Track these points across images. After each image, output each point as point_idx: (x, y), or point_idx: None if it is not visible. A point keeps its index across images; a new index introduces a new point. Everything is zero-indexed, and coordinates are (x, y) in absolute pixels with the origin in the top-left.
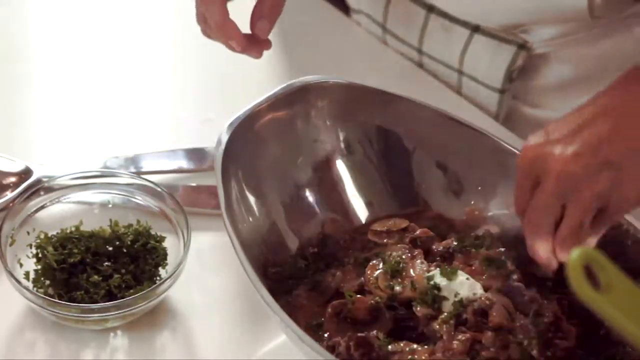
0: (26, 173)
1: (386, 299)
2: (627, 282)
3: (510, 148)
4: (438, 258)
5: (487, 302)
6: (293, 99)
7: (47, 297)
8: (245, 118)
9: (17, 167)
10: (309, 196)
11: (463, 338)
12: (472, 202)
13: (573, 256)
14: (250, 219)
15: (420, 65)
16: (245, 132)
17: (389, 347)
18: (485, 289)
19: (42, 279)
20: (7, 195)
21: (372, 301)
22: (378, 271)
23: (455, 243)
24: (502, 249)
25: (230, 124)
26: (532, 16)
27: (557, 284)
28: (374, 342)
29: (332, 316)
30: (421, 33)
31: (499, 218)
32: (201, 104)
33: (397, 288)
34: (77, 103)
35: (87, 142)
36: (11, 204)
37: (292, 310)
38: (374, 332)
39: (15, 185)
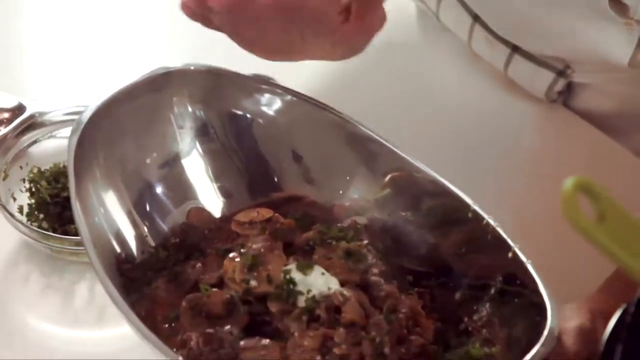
0: (19, 109)
1: (242, 293)
2: (622, 211)
3: (373, 135)
4: (299, 251)
5: (341, 298)
6: (155, 86)
7: (41, 231)
8: (105, 104)
9: (10, 103)
10: (173, 185)
11: (315, 334)
12: (341, 192)
13: (567, 185)
14: (103, 210)
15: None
16: (105, 118)
17: (241, 343)
18: (343, 284)
19: (36, 212)
20: (0, 130)
21: (228, 295)
22: (236, 264)
23: (316, 235)
24: (366, 242)
25: (89, 109)
26: (570, 56)
27: (420, 277)
28: (224, 338)
29: (187, 310)
30: (469, 36)
31: (367, 208)
32: (199, 47)
33: (253, 282)
34: (71, 39)
35: (80, 78)
36: (4, 139)
37: (150, 303)
38: (228, 327)
39: (9, 121)
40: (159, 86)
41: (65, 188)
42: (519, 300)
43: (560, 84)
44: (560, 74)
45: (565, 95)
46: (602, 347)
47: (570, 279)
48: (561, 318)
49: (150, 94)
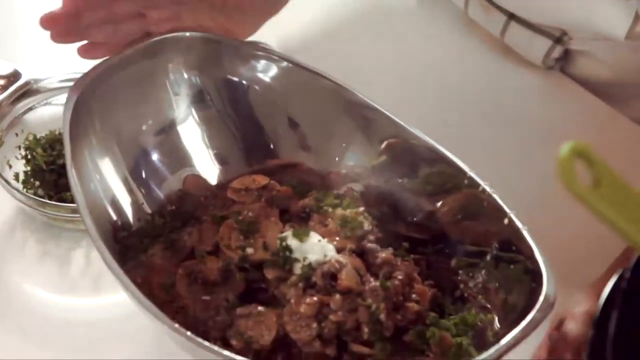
0: (15, 76)
1: (238, 260)
2: (618, 177)
3: (369, 102)
4: (295, 218)
5: (337, 264)
6: (150, 53)
7: (37, 198)
8: (100, 71)
9: (6, 70)
10: (169, 152)
11: (311, 301)
12: (337, 159)
13: (563, 150)
14: (99, 177)
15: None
16: (101, 84)
17: (237, 310)
18: (339, 250)
19: (32, 180)
20: None
21: (224, 262)
22: (232, 231)
23: (312, 202)
24: (362, 208)
25: (85, 76)
26: (566, 27)
27: (416, 244)
28: (220, 305)
29: (183, 277)
30: (465, 3)
31: (364, 174)
32: None
33: (249, 249)
34: None
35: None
36: None
37: (146, 270)
38: (224, 294)
39: (4, 87)
40: (154, 53)
41: (61, 155)
42: (515, 266)
43: (557, 51)
44: (557, 41)
45: (562, 62)
46: (598, 312)
47: (568, 244)
48: (568, 304)
49: (146, 61)
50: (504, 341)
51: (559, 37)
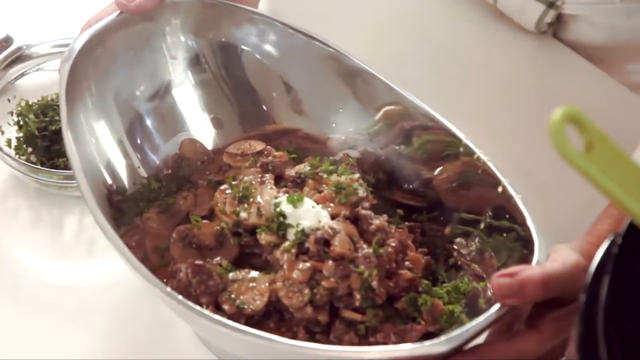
0: (7, 41)
1: (232, 225)
2: (609, 142)
3: (367, 68)
4: (290, 183)
5: (330, 231)
6: (147, 16)
7: (29, 164)
8: (96, 33)
9: None
10: (165, 116)
11: (303, 267)
12: (334, 125)
13: (555, 115)
14: (94, 140)
15: None
16: (97, 47)
17: (230, 275)
18: (333, 217)
19: (24, 146)
20: None
21: (218, 227)
22: (227, 196)
23: (308, 168)
24: (357, 175)
25: (81, 38)
26: None
27: (411, 211)
28: (212, 269)
29: (177, 241)
30: None
31: (360, 141)
32: None
33: (243, 214)
34: None
35: (69, 10)
36: None
37: (140, 234)
38: (218, 258)
39: None
40: (151, 16)
41: (54, 121)
42: (508, 234)
43: (550, 16)
44: (550, 5)
45: (555, 27)
46: (589, 278)
47: (561, 210)
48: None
49: (142, 24)
50: (495, 308)
51: (552, 2)
